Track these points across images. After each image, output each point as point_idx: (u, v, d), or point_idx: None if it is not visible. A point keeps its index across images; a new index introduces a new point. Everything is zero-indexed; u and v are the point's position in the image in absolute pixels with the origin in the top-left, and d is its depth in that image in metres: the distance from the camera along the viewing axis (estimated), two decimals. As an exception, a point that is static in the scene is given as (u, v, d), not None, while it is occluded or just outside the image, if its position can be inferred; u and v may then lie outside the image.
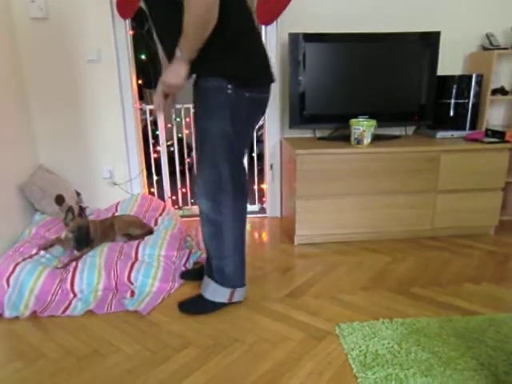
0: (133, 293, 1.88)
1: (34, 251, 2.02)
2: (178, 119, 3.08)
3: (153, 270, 1.94)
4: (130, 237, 2.23)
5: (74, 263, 1.95)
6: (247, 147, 1.73)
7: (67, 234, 2.03)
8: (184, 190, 3.10)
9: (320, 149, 2.31)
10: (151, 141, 2.95)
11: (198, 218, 1.75)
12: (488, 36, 2.63)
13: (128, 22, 2.55)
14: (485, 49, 2.67)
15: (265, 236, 2.66)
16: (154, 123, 3.15)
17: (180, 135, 3.45)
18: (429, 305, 1.81)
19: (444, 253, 2.34)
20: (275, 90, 2.67)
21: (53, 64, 2.51)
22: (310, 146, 2.36)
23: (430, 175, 2.40)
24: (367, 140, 2.35)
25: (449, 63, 2.74)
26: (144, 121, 3.24)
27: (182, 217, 2.79)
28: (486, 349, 1.50)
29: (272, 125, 2.76)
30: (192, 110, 2.43)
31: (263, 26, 2.59)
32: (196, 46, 1.43)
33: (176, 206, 3.02)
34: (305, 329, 1.65)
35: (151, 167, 3.05)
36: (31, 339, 1.62)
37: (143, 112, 3.04)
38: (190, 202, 3.07)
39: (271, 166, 2.87)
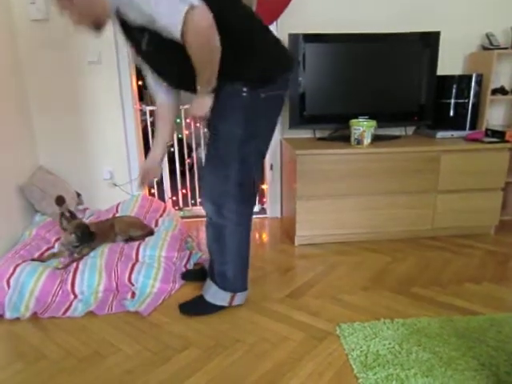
0: (133, 294, 1.88)
1: (36, 255, 2.02)
2: (177, 120, 3.07)
3: (153, 271, 1.94)
4: (130, 238, 2.23)
5: (74, 264, 1.95)
6: (266, 148, 1.67)
7: (67, 237, 2.03)
8: (184, 190, 3.10)
9: (320, 149, 2.31)
10: (151, 142, 2.94)
11: (198, 219, 1.75)
12: (488, 36, 2.63)
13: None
14: (485, 48, 2.67)
15: (265, 236, 2.66)
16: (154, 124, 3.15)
17: (180, 136, 3.45)
18: (429, 305, 1.81)
19: (444, 253, 2.34)
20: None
21: (53, 65, 2.51)
22: (310, 147, 2.36)
23: (430, 175, 2.39)
24: (367, 140, 2.35)
25: (449, 63, 2.73)
26: (144, 122, 3.23)
27: (182, 218, 2.78)
28: (487, 349, 1.50)
29: (272, 125, 2.76)
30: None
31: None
32: (214, 74, 1.42)
33: (176, 207, 3.02)
34: (305, 329, 1.65)
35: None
36: (32, 340, 1.62)
37: (143, 113, 3.05)
38: (190, 203, 3.07)
39: (271, 167, 2.87)
